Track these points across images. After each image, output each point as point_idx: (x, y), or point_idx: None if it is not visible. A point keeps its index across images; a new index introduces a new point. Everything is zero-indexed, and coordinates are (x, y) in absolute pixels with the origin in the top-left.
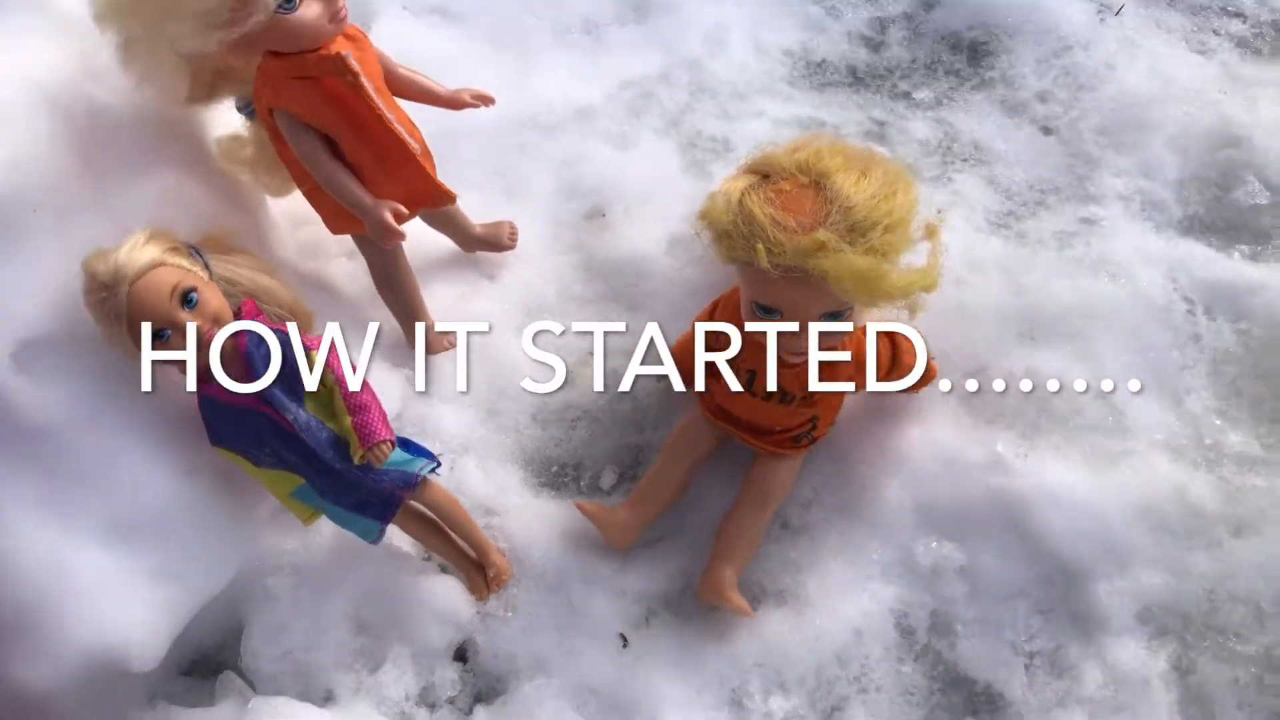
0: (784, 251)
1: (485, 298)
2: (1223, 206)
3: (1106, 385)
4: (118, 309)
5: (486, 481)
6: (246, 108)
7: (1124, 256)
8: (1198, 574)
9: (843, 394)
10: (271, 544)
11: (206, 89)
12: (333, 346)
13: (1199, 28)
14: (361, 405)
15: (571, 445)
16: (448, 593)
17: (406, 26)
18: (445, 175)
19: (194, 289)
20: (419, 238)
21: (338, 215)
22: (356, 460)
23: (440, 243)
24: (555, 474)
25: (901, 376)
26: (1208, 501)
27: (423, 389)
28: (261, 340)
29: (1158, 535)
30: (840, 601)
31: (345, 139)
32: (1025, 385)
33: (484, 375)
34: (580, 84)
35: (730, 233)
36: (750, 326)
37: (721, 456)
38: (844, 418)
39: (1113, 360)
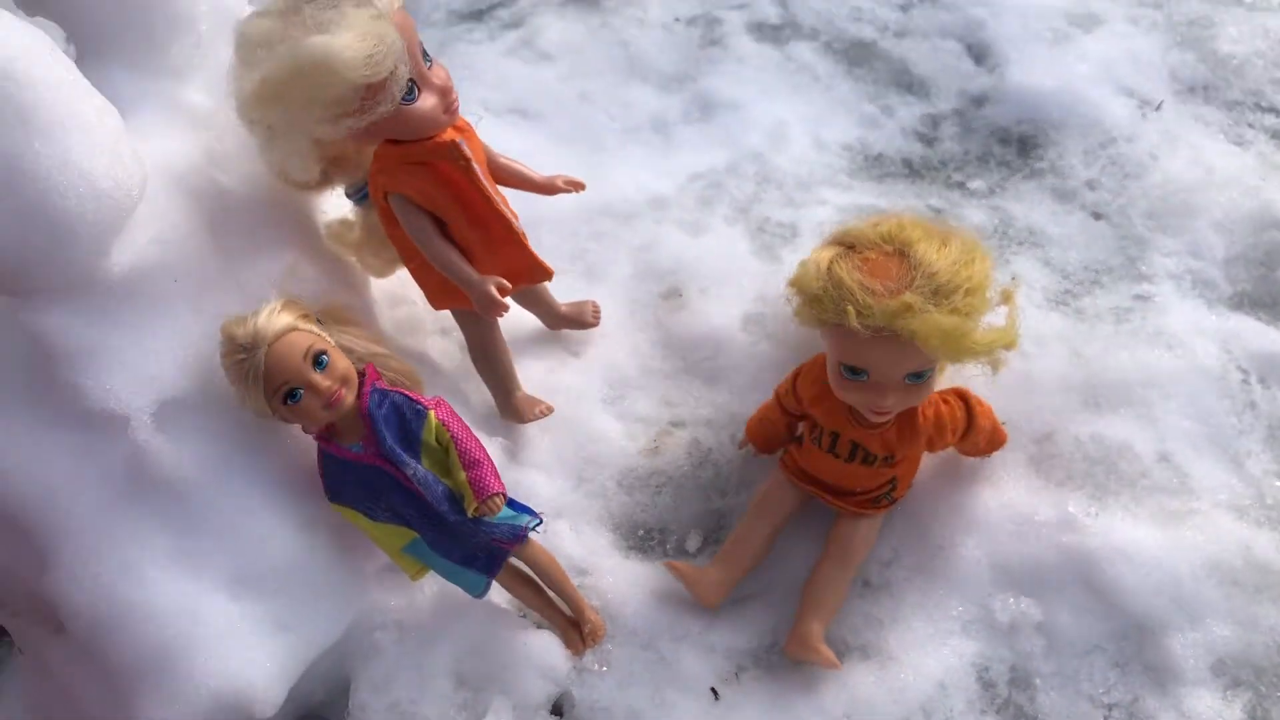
0: (873, 311)
1: (571, 371)
2: (1269, 284)
3: (1170, 449)
4: (255, 370)
5: (578, 543)
6: (357, 194)
7: (1179, 329)
8: (1268, 626)
9: (920, 456)
10: (379, 599)
11: (322, 176)
12: (449, 407)
13: (1235, 121)
14: (475, 460)
15: (657, 510)
16: (545, 648)
17: (489, 125)
18: None
19: (325, 351)
20: (509, 317)
21: (441, 291)
22: (470, 512)
23: (528, 321)
24: (642, 537)
25: (977, 438)
26: (1274, 557)
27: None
28: (382, 401)
29: (1227, 590)
30: (923, 656)
31: (454, 219)
32: (1092, 449)
33: (572, 444)
34: (652, 176)
35: (820, 297)
36: (837, 388)
37: (804, 517)
38: (921, 480)
39: (1174, 426)
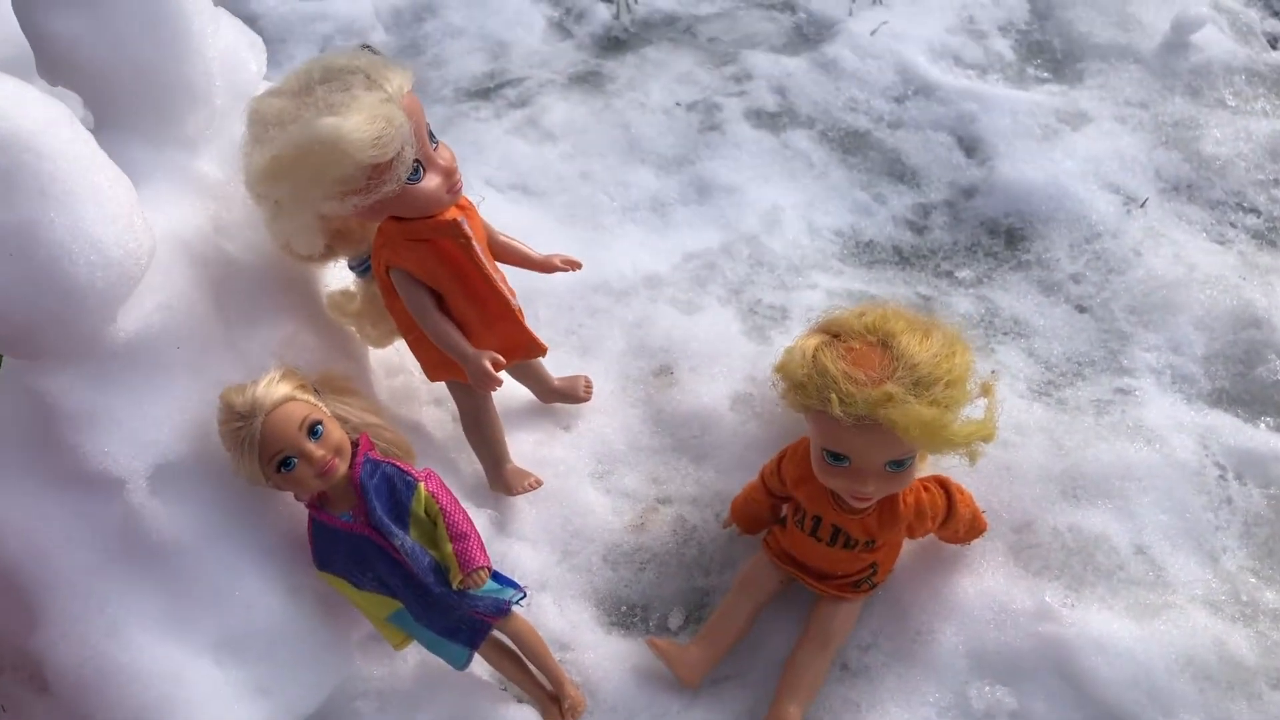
0: (855, 402)
1: (561, 445)
2: (1248, 381)
3: (1147, 541)
4: (251, 437)
5: (561, 618)
6: (359, 266)
7: (1158, 423)
8: None
9: (901, 541)
10: (361, 668)
11: (325, 249)
12: (439, 479)
13: (1218, 220)
14: (462, 533)
15: (641, 587)
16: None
17: (492, 201)
18: None
19: (320, 421)
20: (502, 389)
21: (438, 363)
22: (455, 585)
23: (521, 394)
24: (625, 613)
25: (957, 525)
26: (1246, 654)
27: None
28: (374, 471)
29: (1200, 685)
30: None
31: (452, 294)
32: (1070, 539)
33: (559, 518)
34: (648, 255)
35: (805, 384)
36: (819, 472)
37: (785, 597)
38: (901, 566)
39: (1151, 519)
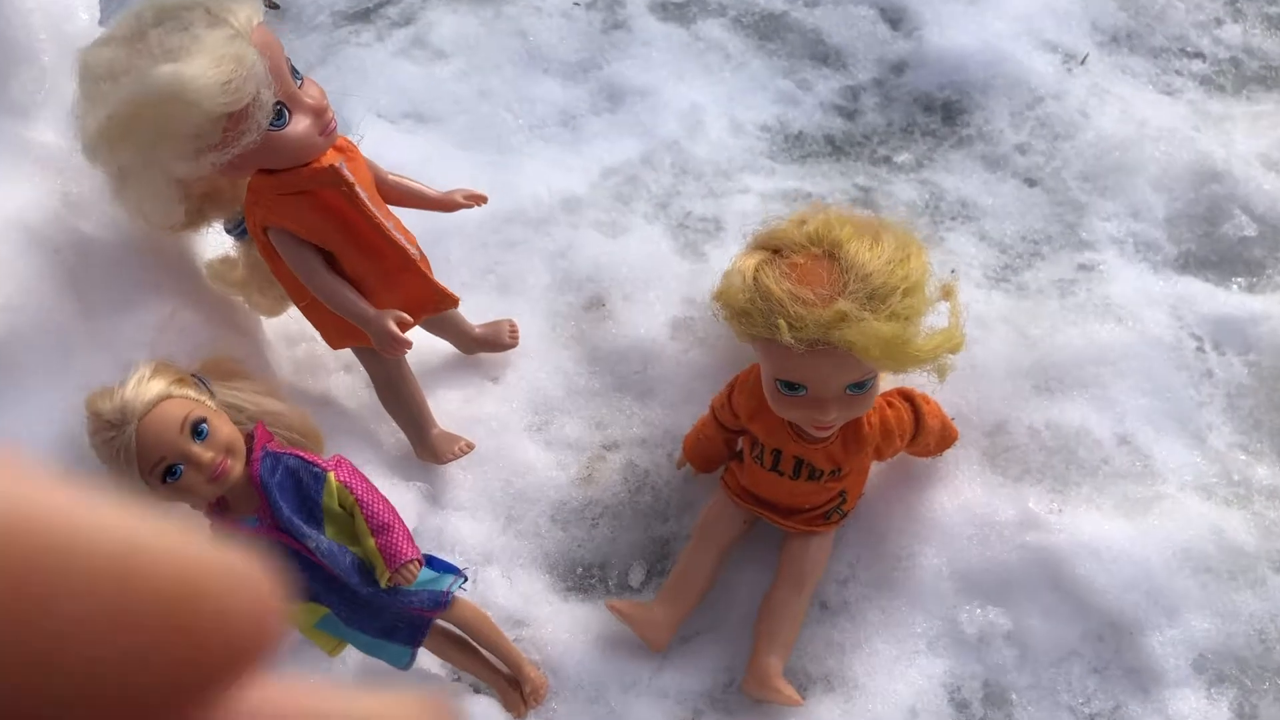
0: (805, 325)
1: (491, 399)
2: (1214, 241)
3: (1130, 430)
4: (125, 447)
5: (512, 591)
6: (236, 229)
7: (1126, 299)
8: (1247, 615)
9: (869, 465)
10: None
11: (194, 214)
12: (350, 466)
13: (1163, 69)
14: (384, 525)
15: (595, 544)
16: (484, 714)
17: (382, 133)
18: (438, 277)
19: (204, 419)
20: (417, 345)
21: (337, 330)
22: (383, 583)
23: (440, 348)
24: (581, 576)
25: (927, 439)
26: (1245, 539)
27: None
28: (276, 466)
29: (1201, 578)
30: (890, 681)
31: (343, 251)
32: (1048, 437)
33: (498, 481)
34: (563, 175)
35: (748, 310)
36: (774, 404)
37: (751, 540)
38: (871, 488)
39: (1131, 404)
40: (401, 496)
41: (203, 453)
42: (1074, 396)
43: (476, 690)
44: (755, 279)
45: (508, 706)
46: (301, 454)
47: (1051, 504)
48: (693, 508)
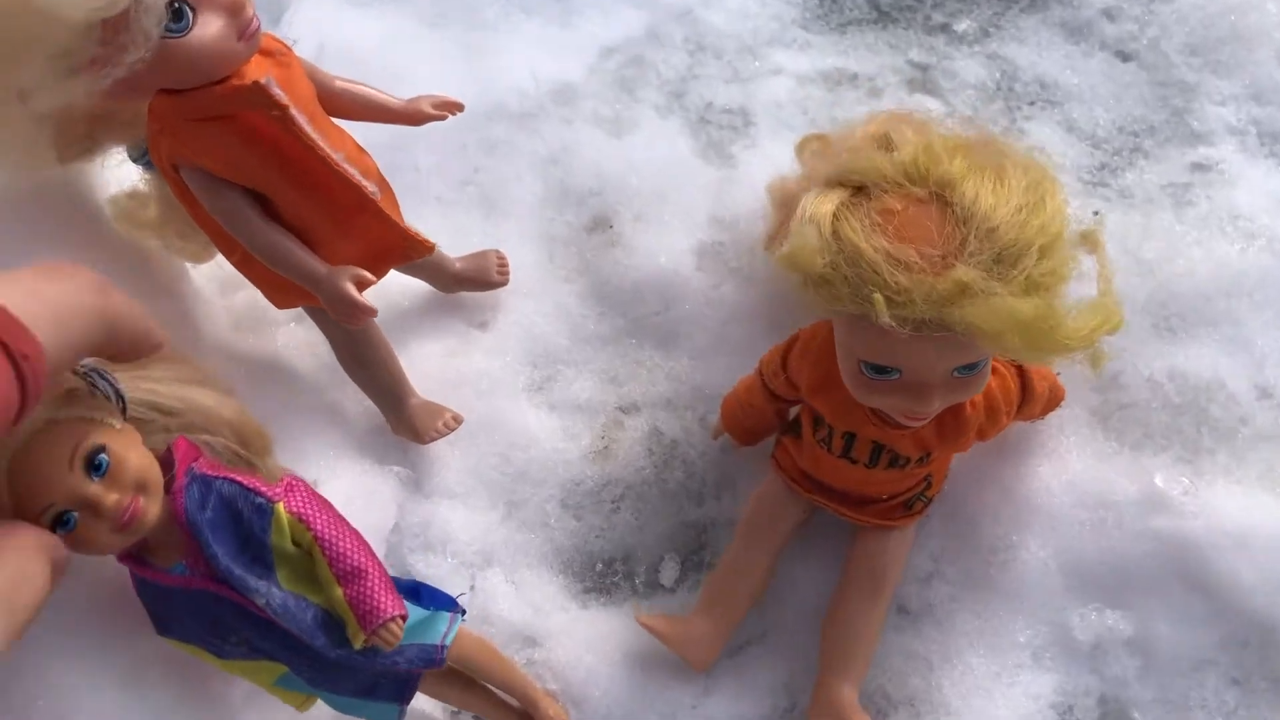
0: (912, 301)
1: (479, 352)
2: None
3: (1272, 379)
4: None
5: (519, 600)
6: (142, 157)
7: (1254, 207)
8: None
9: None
10: None
11: (83, 141)
12: (305, 490)
13: None
14: (354, 570)
15: (616, 534)
16: None
17: (326, 14)
18: (403, 194)
19: (102, 447)
20: (384, 285)
21: (280, 288)
22: (357, 645)
23: (412, 288)
24: (602, 574)
25: (1033, 407)
26: None
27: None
28: (206, 496)
29: None
30: (988, 703)
31: (279, 192)
32: (1173, 391)
33: (493, 458)
34: (552, 58)
35: (830, 279)
36: (855, 388)
37: (809, 526)
38: (957, 463)
39: (1271, 344)
40: (375, 486)
41: (104, 494)
42: (1201, 338)
43: None
44: (837, 233)
45: None
46: (238, 477)
47: (1181, 478)
48: (733, 486)
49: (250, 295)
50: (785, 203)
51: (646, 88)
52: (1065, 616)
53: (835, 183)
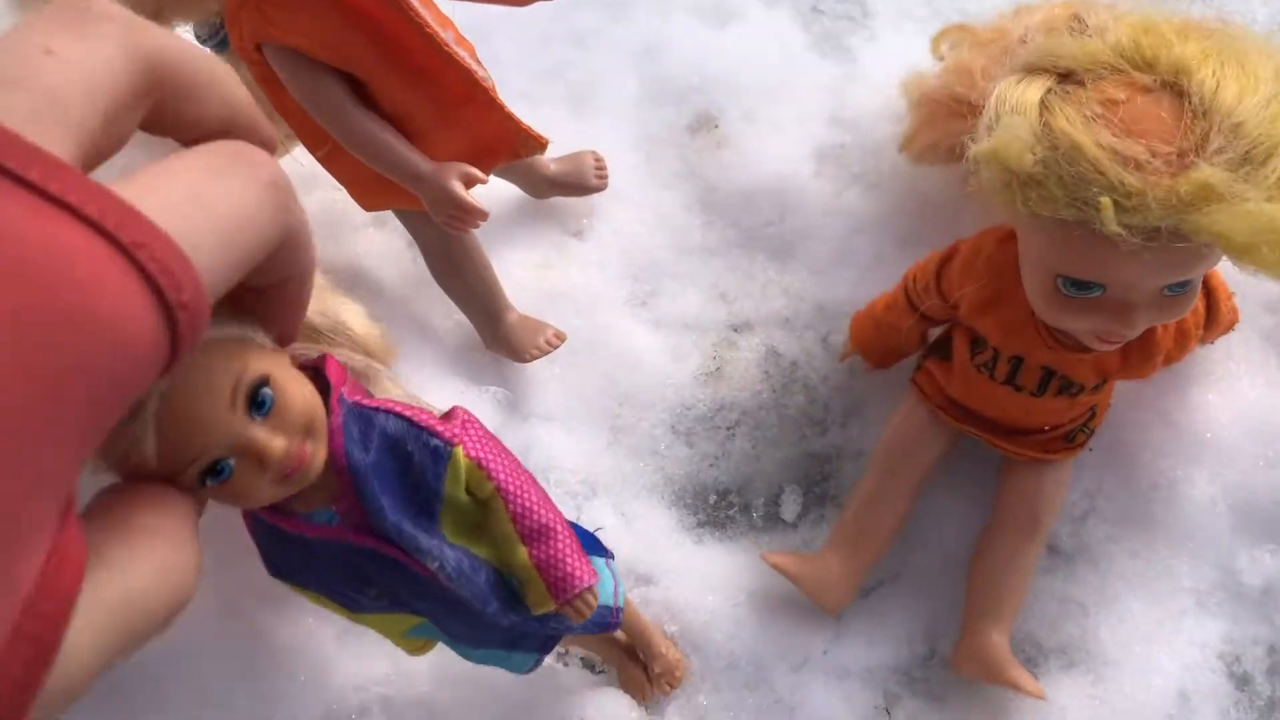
0: (1146, 205)
1: (578, 264)
2: None
3: None
4: (136, 445)
5: (628, 534)
6: (214, 38)
7: None
8: None
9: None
10: (352, 672)
11: (150, 19)
12: (480, 429)
13: None
14: (543, 529)
15: (733, 463)
16: (608, 706)
17: None
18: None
19: (265, 379)
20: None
21: (373, 187)
22: (539, 613)
23: (502, 193)
24: (716, 506)
25: (1216, 329)
26: None
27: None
28: (368, 434)
29: None
30: (1149, 652)
31: (379, 75)
32: None
33: (597, 379)
34: None
35: (1042, 180)
36: (1045, 306)
37: (952, 454)
38: (1117, 390)
39: None
40: (470, 406)
41: (270, 440)
42: None
43: (593, 669)
44: (1050, 125)
45: (631, 690)
46: (403, 410)
47: None
48: (861, 412)
49: (325, 196)
50: (926, 101)
51: None
52: (1234, 559)
53: (1036, 68)
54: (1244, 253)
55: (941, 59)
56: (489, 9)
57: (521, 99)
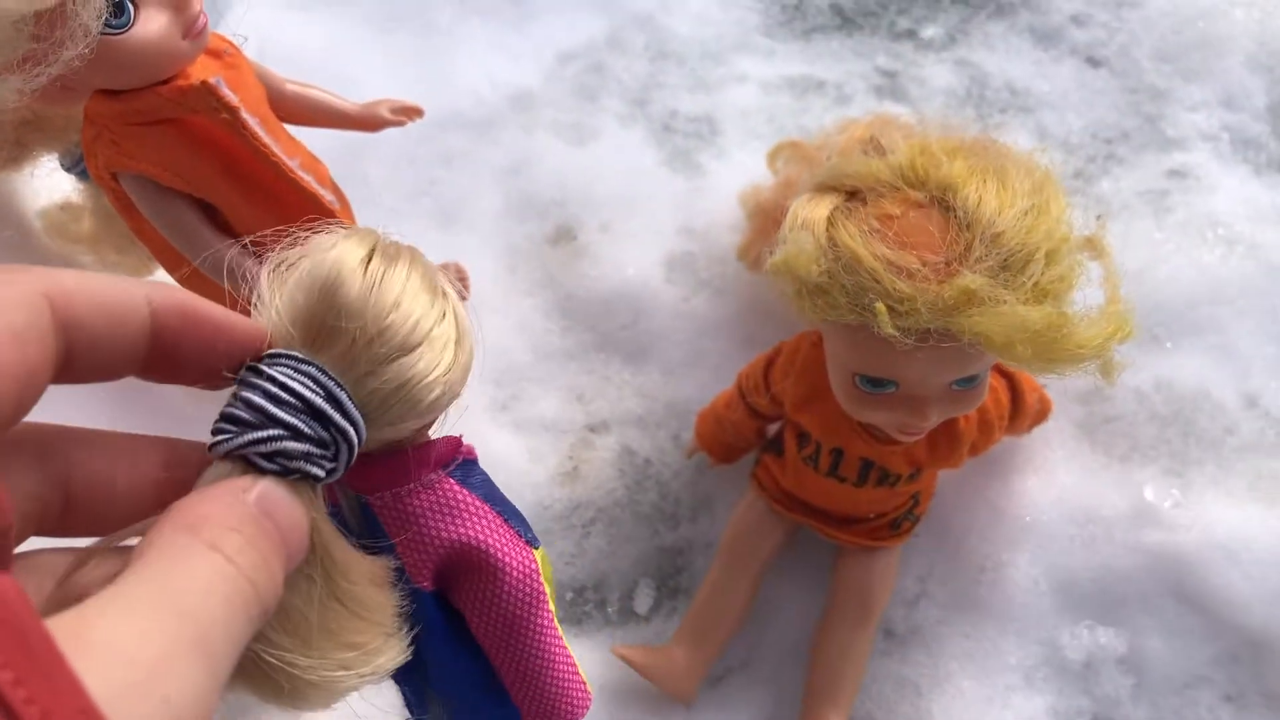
0: (916, 310)
1: None
2: None
3: (1257, 389)
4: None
5: None
6: (76, 166)
7: (1232, 214)
8: None
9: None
10: None
11: (11, 148)
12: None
13: None
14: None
15: (588, 560)
16: None
17: (268, 16)
18: (354, 207)
19: None
20: None
21: (234, 305)
22: None
23: None
24: (573, 603)
25: (1021, 422)
26: None
27: None
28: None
29: None
30: None
31: (229, 201)
32: (1159, 403)
33: None
34: (509, 63)
35: (826, 289)
36: (848, 401)
37: (789, 546)
38: (942, 479)
39: (1257, 354)
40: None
41: None
42: (1186, 347)
43: None
44: (834, 240)
45: None
46: None
47: (1171, 490)
48: (710, 506)
49: None
50: (759, 212)
51: (608, 95)
52: (1056, 635)
53: (826, 187)
54: (1003, 350)
55: (776, 173)
56: (357, 132)
57: (390, 215)
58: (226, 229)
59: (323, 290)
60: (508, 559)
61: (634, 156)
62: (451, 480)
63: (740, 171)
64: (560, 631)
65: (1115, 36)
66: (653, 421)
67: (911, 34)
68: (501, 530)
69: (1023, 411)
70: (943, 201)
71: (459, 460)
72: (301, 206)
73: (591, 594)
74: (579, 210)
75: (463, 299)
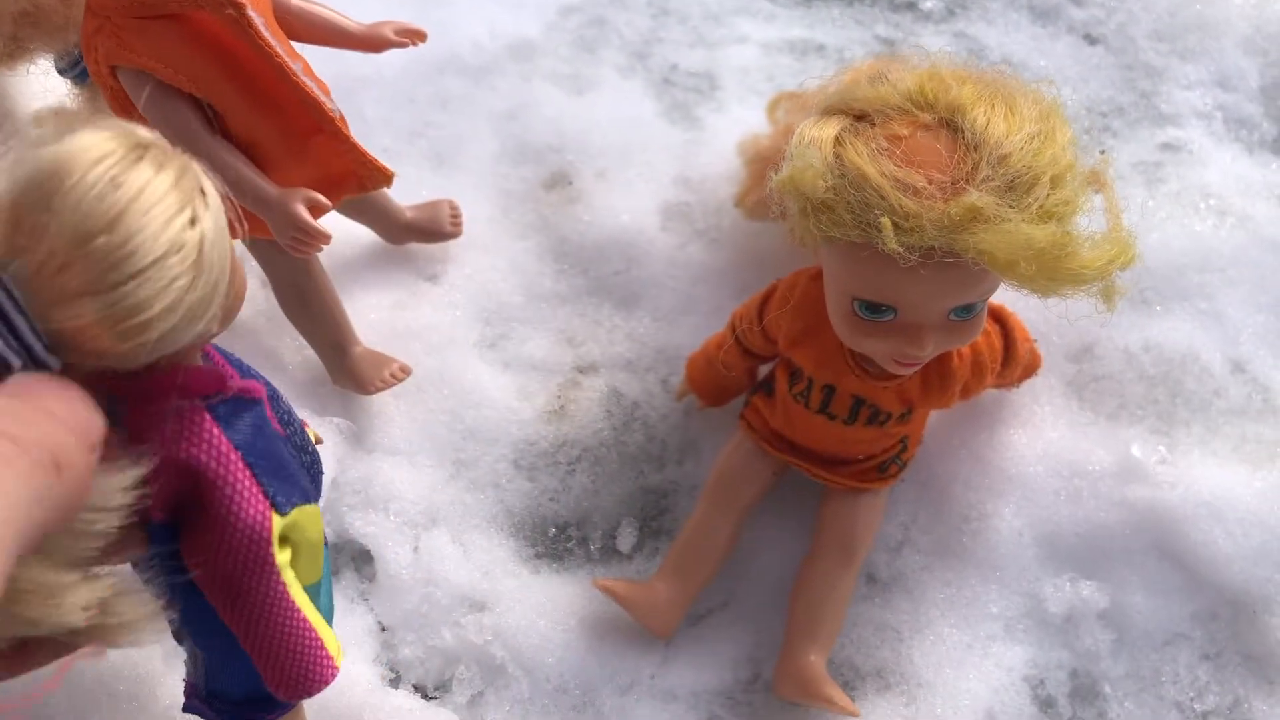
0: (920, 225)
1: (429, 305)
2: None
3: (1245, 354)
4: None
5: (466, 562)
6: (73, 68)
7: (1224, 188)
8: None
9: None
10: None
11: (7, 44)
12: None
13: None
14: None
15: (572, 497)
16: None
17: None
18: None
19: None
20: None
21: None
22: None
23: (359, 236)
24: (555, 539)
25: (1013, 370)
26: None
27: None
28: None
29: None
30: (959, 674)
31: (230, 104)
32: (1148, 363)
33: (443, 415)
34: (508, 13)
35: (831, 205)
36: (845, 330)
37: (776, 489)
38: (930, 429)
39: (1245, 322)
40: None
41: None
42: (1176, 311)
43: (425, 695)
44: (840, 156)
45: None
46: None
47: (1157, 449)
48: (696, 449)
49: None
50: (758, 159)
51: (608, 48)
52: (1039, 587)
53: (834, 109)
54: (1006, 269)
55: (775, 123)
56: (354, 70)
57: (386, 154)
58: (225, 133)
59: (28, 183)
60: (237, 509)
61: (632, 107)
62: (206, 414)
63: (739, 126)
64: (302, 602)
65: (1113, 15)
66: (642, 365)
67: (911, 5)
68: (240, 478)
69: (1014, 358)
70: (951, 123)
71: (223, 396)
72: (303, 112)
73: (574, 531)
74: (575, 157)
75: (452, 237)
